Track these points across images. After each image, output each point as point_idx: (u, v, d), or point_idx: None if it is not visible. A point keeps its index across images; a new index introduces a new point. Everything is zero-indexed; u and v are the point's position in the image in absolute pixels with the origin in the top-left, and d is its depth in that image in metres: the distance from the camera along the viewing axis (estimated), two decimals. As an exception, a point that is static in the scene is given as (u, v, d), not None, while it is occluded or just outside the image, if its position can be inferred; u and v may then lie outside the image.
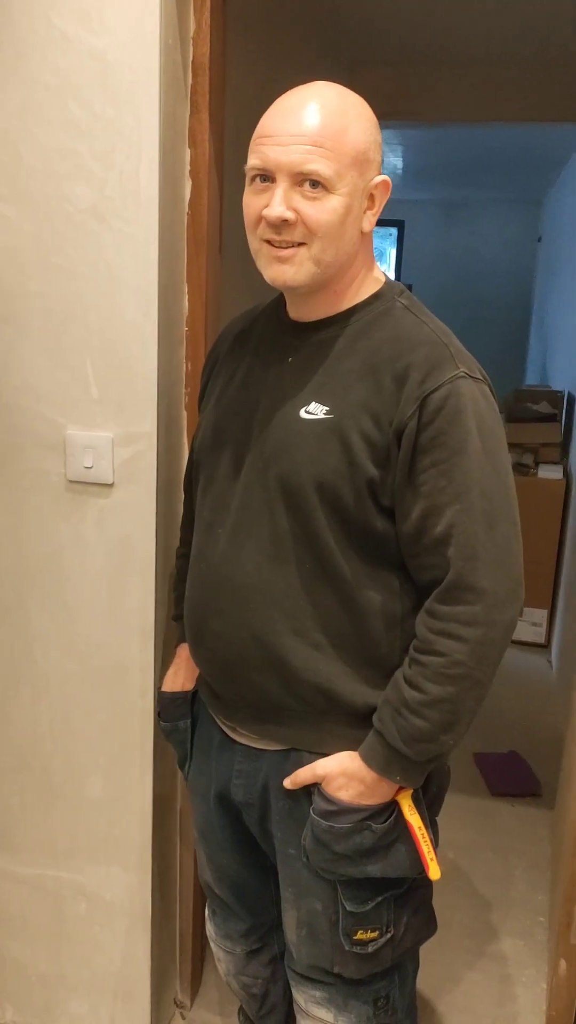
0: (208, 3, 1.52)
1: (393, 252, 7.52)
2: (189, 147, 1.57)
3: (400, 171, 5.82)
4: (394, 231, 7.48)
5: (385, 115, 1.19)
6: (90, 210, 1.48)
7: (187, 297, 1.63)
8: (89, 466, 1.56)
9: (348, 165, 1.11)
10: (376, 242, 1.29)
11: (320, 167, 1.09)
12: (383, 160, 1.19)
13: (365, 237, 1.20)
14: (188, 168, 1.58)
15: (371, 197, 1.17)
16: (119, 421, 1.55)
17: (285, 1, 2.33)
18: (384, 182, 1.17)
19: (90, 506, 1.59)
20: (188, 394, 1.67)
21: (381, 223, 7.75)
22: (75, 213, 1.49)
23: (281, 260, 1.15)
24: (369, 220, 1.18)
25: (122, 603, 1.62)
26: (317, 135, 1.10)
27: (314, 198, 1.11)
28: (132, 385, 1.53)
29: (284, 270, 1.15)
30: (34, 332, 1.55)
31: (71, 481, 1.59)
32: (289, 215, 1.11)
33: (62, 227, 1.50)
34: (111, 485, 1.57)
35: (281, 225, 1.12)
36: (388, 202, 1.20)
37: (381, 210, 1.19)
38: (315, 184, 1.10)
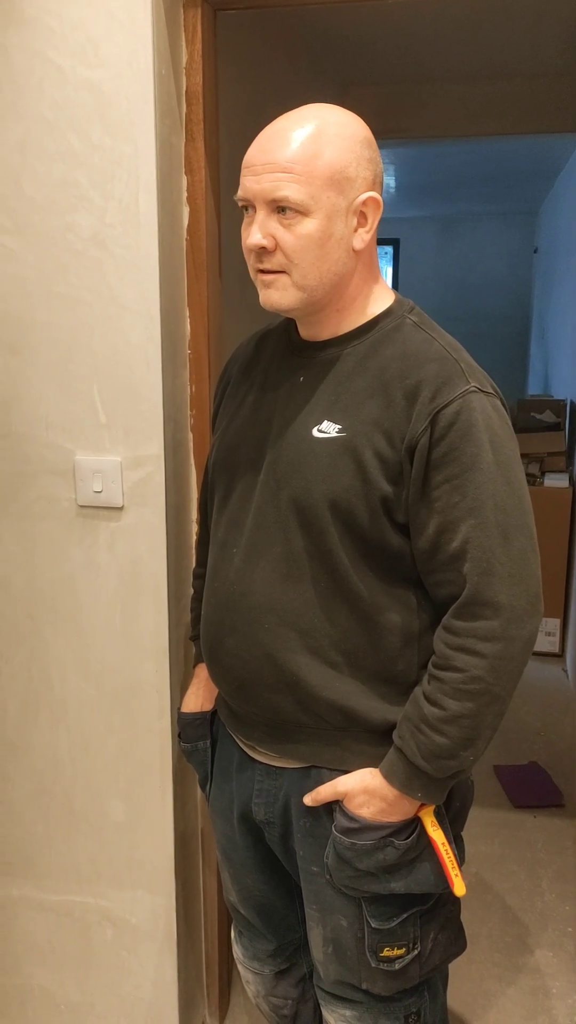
0: (199, 34, 1.55)
1: (389, 270, 7.55)
2: (185, 174, 1.60)
3: (393, 189, 5.86)
4: (390, 249, 7.52)
5: (377, 134, 1.19)
6: (92, 239, 1.51)
7: (189, 320, 1.65)
8: (99, 490, 1.58)
9: (322, 187, 1.11)
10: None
11: (290, 192, 1.10)
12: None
13: (364, 254, 1.19)
14: (185, 194, 1.61)
15: (361, 215, 1.16)
16: (127, 445, 1.56)
17: (275, 26, 2.37)
18: (372, 199, 1.15)
19: (101, 530, 1.60)
20: (193, 416, 1.68)
21: (376, 242, 7.92)
22: (77, 242, 1.51)
23: (267, 285, 1.17)
24: (361, 238, 1.16)
25: (136, 625, 1.63)
26: (286, 161, 1.10)
27: (289, 224, 1.12)
28: (138, 409, 1.55)
29: (270, 295, 1.17)
30: (42, 361, 1.57)
31: (81, 506, 1.60)
32: (265, 242, 1.13)
33: (65, 257, 1.52)
34: (121, 508, 1.59)
35: (261, 252, 1.15)
36: (382, 221, 1.19)
37: (375, 226, 1.17)
38: (288, 209, 1.11)
